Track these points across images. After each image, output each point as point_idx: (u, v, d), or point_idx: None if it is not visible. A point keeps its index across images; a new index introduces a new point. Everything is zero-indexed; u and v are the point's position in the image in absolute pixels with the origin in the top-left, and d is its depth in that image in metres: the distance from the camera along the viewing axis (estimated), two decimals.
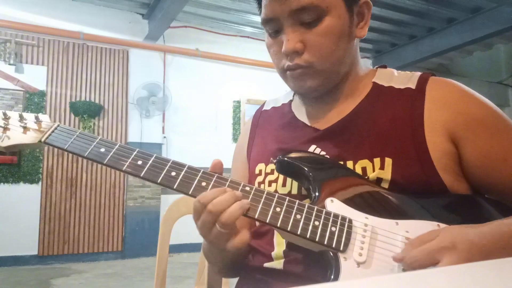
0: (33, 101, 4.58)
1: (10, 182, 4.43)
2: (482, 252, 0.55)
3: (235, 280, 0.83)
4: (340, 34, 0.72)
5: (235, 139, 5.56)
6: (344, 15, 0.72)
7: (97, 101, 4.88)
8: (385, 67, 0.84)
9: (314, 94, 0.77)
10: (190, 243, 4.60)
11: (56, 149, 4.90)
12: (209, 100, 5.47)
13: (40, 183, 4.56)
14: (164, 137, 5.20)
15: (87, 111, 4.76)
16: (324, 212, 0.64)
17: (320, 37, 0.70)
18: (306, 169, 0.69)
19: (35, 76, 4.61)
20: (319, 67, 0.72)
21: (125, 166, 0.67)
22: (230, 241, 0.64)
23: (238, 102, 5.69)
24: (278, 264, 0.72)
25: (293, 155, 0.71)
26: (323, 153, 0.74)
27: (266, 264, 0.73)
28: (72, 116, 4.76)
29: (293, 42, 0.70)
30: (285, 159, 0.71)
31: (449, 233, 0.57)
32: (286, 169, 0.73)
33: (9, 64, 4.45)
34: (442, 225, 0.64)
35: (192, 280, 3.61)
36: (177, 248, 4.64)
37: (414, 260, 0.56)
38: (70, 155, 4.66)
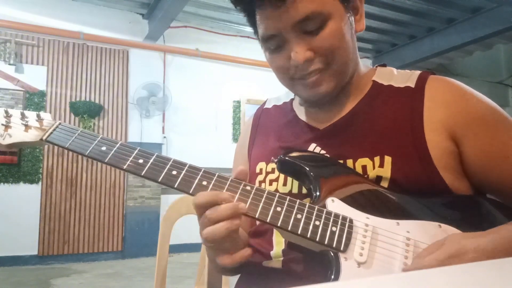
0: (33, 101, 4.58)
1: (10, 182, 4.43)
2: (489, 258, 0.55)
3: (235, 280, 0.83)
4: (345, 33, 0.71)
5: (235, 139, 5.56)
6: (342, 14, 0.71)
7: (97, 101, 4.88)
8: (384, 66, 0.84)
9: (326, 99, 0.75)
10: (190, 243, 4.61)
11: (56, 149, 4.90)
12: (209, 100, 5.47)
13: (40, 183, 4.56)
14: (164, 137, 5.20)
15: (87, 111, 4.76)
16: (324, 212, 0.63)
17: (328, 40, 0.69)
18: (307, 168, 0.69)
19: (35, 76, 4.61)
20: (335, 67, 0.71)
21: (126, 164, 0.67)
22: (221, 257, 0.65)
23: (238, 102, 5.69)
24: (277, 263, 0.72)
25: (294, 154, 0.71)
26: (323, 151, 0.74)
27: (265, 263, 0.73)
28: (72, 116, 4.77)
29: (302, 53, 0.69)
30: (286, 158, 0.71)
31: (455, 241, 0.57)
32: (287, 168, 0.72)
33: (9, 64, 4.46)
34: (443, 226, 0.63)
35: (192, 280, 3.60)
36: (177, 248, 4.64)
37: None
38: (70, 154, 4.67)
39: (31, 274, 4.05)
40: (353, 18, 0.75)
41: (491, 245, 0.56)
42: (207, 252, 0.77)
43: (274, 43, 0.71)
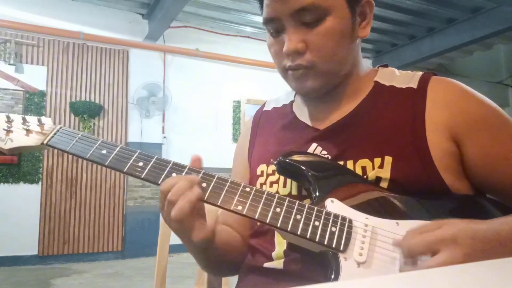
0: (33, 101, 4.58)
1: (10, 182, 4.43)
2: (483, 249, 0.54)
3: (235, 281, 0.83)
4: (342, 35, 0.71)
5: (235, 139, 5.56)
6: (346, 16, 0.71)
7: (97, 101, 4.88)
8: (386, 66, 0.84)
9: (314, 94, 0.76)
10: None
11: (56, 150, 4.95)
12: (209, 100, 5.47)
13: (40, 183, 4.56)
14: (164, 137, 5.20)
15: (87, 111, 4.76)
16: (324, 213, 0.64)
17: (322, 37, 0.70)
18: (305, 169, 0.69)
19: (35, 76, 4.61)
20: (321, 67, 0.72)
21: (126, 167, 0.68)
22: (193, 234, 0.65)
23: (238, 102, 5.69)
24: (278, 263, 0.72)
25: (293, 156, 0.72)
26: (324, 152, 0.74)
27: (266, 264, 0.73)
28: (72, 116, 4.77)
29: (295, 42, 0.70)
30: (285, 160, 0.71)
31: (452, 226, 0.56)
32: (286, 170, 0.73)
33: (9, 64, 4.46)
34: None
35: (192, 280, 3.61)
36: (177, 248, 4.60)
37: (412, 247, 0.56)
38: (70, 155, 4.66)
39: (31, 274, 4.05)
40: (358, 23, 0.74)
41: (489, 235, 0.56)
42: (185, 244, 0.73)
43: (273, 27, 0.73)
